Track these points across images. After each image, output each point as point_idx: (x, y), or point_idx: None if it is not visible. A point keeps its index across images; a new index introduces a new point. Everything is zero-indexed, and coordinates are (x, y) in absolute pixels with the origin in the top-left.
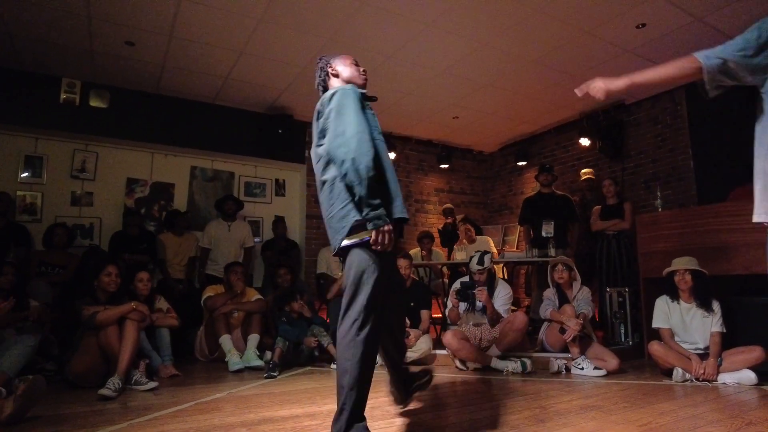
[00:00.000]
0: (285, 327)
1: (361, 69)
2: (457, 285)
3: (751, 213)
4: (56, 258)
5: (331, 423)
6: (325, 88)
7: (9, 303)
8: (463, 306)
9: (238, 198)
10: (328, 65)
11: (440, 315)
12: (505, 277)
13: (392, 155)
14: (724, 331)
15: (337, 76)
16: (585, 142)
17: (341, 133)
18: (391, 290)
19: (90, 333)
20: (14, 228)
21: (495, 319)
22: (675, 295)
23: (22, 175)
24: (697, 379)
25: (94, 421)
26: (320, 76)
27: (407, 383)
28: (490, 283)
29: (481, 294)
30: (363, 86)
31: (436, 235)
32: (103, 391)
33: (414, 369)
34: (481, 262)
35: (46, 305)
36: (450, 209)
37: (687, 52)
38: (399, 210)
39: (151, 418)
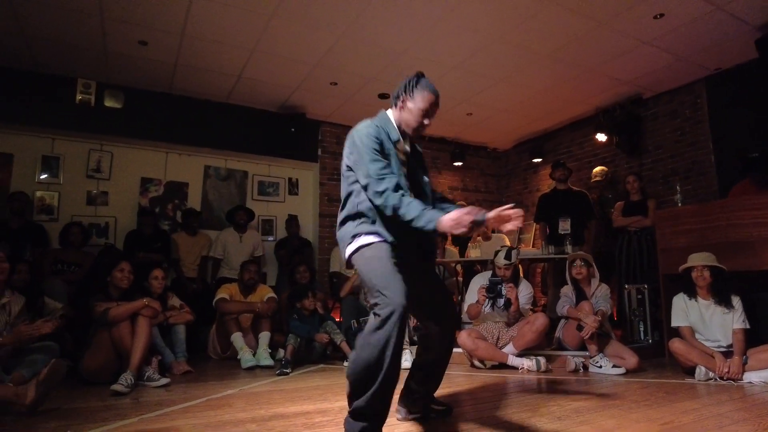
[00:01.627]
0: (295, 323)
1: (425, 121)
2: (481, 281)
3: None
4: (72, 256)
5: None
6: (395, 106)
7: (50, 325)
8: (485, 303)
9: (249, 209)
10: (407, 94)
11: None
12: (521, 275)
13: None
14: (748, 327)
15: (401, 109)
16: (602, 137)
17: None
18: (428, 294)
19: (102, 329)
20: (32, 227)
21: (516, 316)
22: (692, 292)
23: (39, 176)
24: (722, 378)
25: (105, 415)
26: (396, 93)
27: (424, 403)
28: (515, 280)
29: (510, 291)
30: (413, 134)
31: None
32: (116, 387)
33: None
34: (508, 257)
35: (63, 317)
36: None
37: (707, 42)
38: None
39: (161, 413)
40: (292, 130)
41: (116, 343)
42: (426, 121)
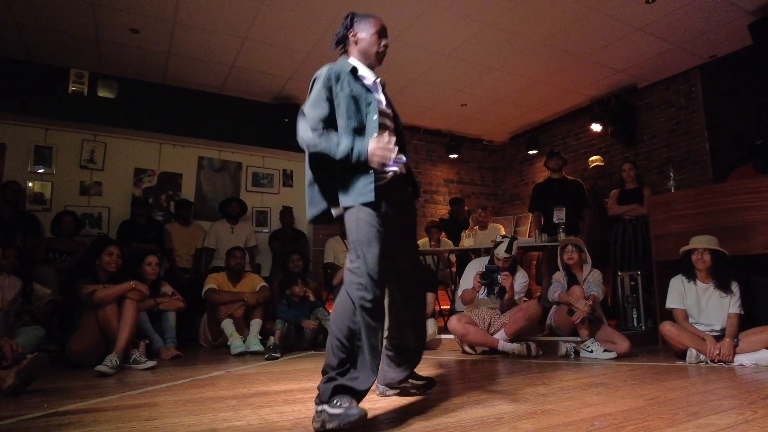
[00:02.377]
0: (283, 308)
1: (383, 42)
2: (477, 266)
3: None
4: (64, 245)
5: None
6: (344, 50)
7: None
8: (482, 289)
9: (242, 200)
10: (351, 30)
11: (448, 306)
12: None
13: None
14: (743, 313)
15: (356, 43)
16: (596, 128)
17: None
18: (403, 255)
19: (89, 312)
20: (24, 216)
21: (509, 304)
22: (691, 275)
23: (32, 166)
24: (713, 361)
25: (86, 393)
26: (339, 36)
27: (404, 379)
28: (512, 269)
29: (506, 279)
30: (373, 62)
31: None
32: (100, 368)
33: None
34: (509, 249)
35: (52, 302)
36: (456, 199)
37: (700, 28)
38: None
39: (143, 391)
40: (286, 121)
41: (102, 325)
42: (384, 42)
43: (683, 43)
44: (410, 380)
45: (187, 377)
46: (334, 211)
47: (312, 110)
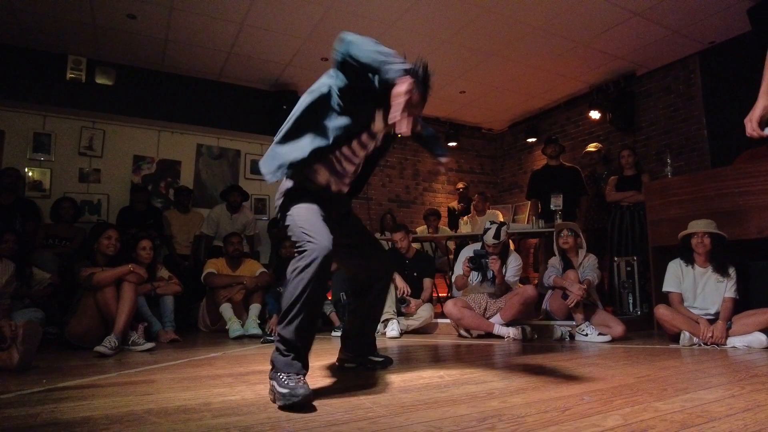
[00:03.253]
0: (270, 299)
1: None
2: (469, 252)
3: (763, 173)
4: (63, 231)
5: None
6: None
7: None
8: (473, 275)
9: (244, 189)
10: None
11: (445, 293)
12: (512, 248)
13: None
14: (737, 297)
15: None
16: (595, 115)
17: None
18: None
19: (88, 295)
20: (23, 202)
21: (503, 289)
22: (689, 259)
23: (31, 153)
24: (706, 344)
25: (85, 371)
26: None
27: (363, 351)
28: (504, 254)
29: (494, 264)
30: None
31: (444, 213)
32: (99, 348)
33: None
34: (497, 236)
35: (51, 285)
36: (463, 192)
37: (699, 13)
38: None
39: (141, 370)
40: (285, 108)
41: (101, 307)
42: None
43: (682, 29)
44: (371, 357)
45: (184, 358)
46: None
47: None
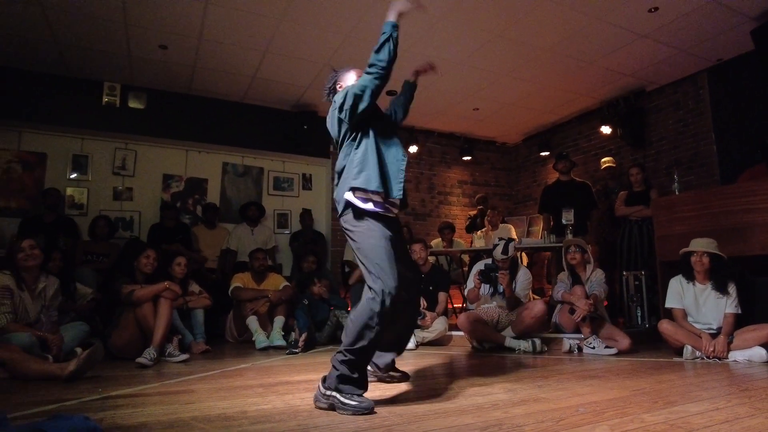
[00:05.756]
0: (299, 313)
1: None
2: (480, 266)
3: (766, 191)
4: (100, 247)
5: None
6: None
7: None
8: (485, 288)
9: (260, 204)
10: (337, 83)
11: (460, 304)
12: (524, 264)
13: (414, 148)
14: (739, 312)
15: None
16: (606, 130)
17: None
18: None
19: (128, 310)
20: (64, 221)
21: (513, 303)
22: (690, 276)
23: (70, 174)
24: (708, 357)
25: (130, 381)
26: (328, 87)
27: (385, 369)
28: (513, 269)
29: (503, 278)
30: None
31: (459, 225)
32: (140, 360)
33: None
34: (505, 251)
35: (94, 300)
36: (482, 198)
37: (704, 34)
38: (395, 191)
39: (180, 380)
40: (305, 127)
41: (140, 321)
42: None
43: (689, 48)
44: (391, 372)
45: (217, 369)
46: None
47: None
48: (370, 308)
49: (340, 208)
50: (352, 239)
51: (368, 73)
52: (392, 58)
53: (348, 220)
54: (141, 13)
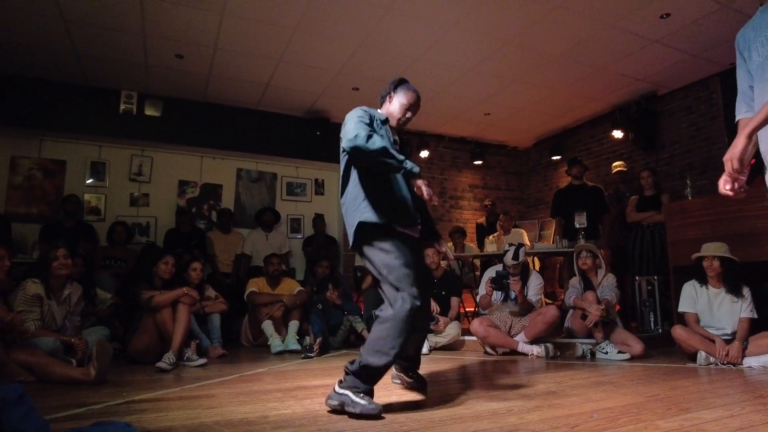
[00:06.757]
0: (314, 317)
1: (407, 114)
2: (492, 273)
3: None
4: (118, 252)
5: None
6: (381, 104)
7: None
8: (497, 294)
9: (275, 210)
10: (392, 92)
11: (473, 308)
12: (536, 268)
13: (426, 153)
14: (755, 317)
15: (390, 103)
16: (618, 134)
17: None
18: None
19: (148, 315)
20: (83, 226)
21: (526, 308)
22: (703, 280)
23: (88, 180)
24: (722, 363)
25: (152, 386)
26: (383, 94)
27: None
28: (524, 274)
29: (515, 285)
30: (397, 126)
31: (470, 230)
32: (160, 364)
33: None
34: (516, 257)
35: (113, 305)
36: (490, 205)
37: (716, 39)
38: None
39: (200, 385)
40: (318, 133)
41: (159, 326)
42: (408, 115)
43: (701, 53)
44: (410, 373)
45: (235, 373)
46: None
47: (357, 125)
48: (397, 316)
49: (351, 239)
50: (370, 260)
51: (361, 140)
52: (375, 159)
53: (360, 246)
54: (158, 24)
